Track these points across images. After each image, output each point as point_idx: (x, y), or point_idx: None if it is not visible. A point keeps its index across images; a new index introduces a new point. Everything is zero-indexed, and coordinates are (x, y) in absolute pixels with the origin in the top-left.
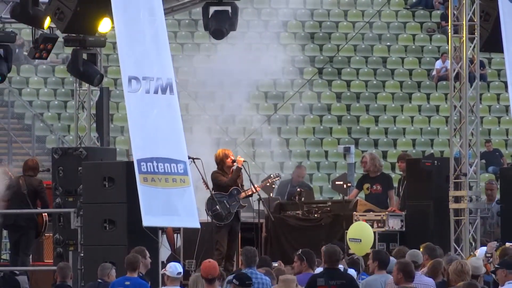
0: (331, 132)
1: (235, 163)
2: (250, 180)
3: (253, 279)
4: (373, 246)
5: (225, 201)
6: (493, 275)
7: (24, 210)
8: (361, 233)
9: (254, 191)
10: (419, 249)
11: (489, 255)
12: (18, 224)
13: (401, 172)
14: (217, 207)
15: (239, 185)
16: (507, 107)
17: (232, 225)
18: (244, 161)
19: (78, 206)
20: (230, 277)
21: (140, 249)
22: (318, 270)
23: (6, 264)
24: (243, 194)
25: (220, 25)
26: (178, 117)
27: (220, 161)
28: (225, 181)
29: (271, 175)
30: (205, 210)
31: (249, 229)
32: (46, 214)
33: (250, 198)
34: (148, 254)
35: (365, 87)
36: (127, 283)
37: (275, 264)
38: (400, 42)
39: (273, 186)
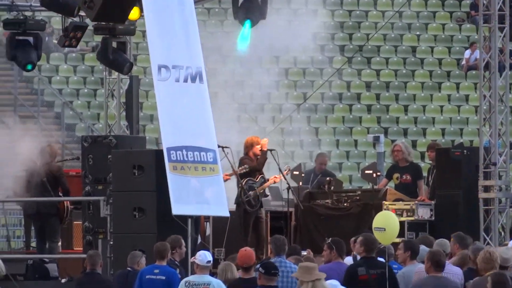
0: (360, 121)
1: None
2: (280, 168)
3: (282, 268)
4: (402, 235)
5: (255, 188)
6: None
7: (50, 198)
8: (385, 222)
9: (278, 180)
10: (450, 239)
11: None
12: (40, 212)
13: (431, 162)
14: (250, 193)
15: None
16: None
17: (258, 212)
18: (271, 149)
19: (108, 194)
20: (257, 266)
21: (176, 238)
22: (347, 259)
23: (35, 252)
24: (266, 184)
25: (250, 13)
26: (208, 106)
27: (250, 146)
28: (254, 166)
29: (284, 168)
30: (240, 195)
31: (278, 218)
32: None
33: (279, 186)
34: (183, 244)
35: (395, 76)
36: (156, 271)
37: (304, 253)
38: (429, 31)
39: (296, 172)
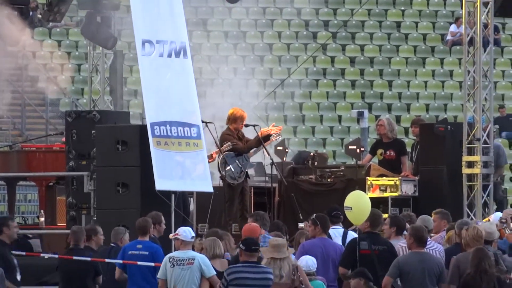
0: (344, 97)
1: (246, 127)
2: (263, 143)
3: (267, 243)
4: (386, 211)
5: (236, 161)
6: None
7: (28, 174)
8: (353, 202)
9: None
10: (431, 215)
11: (504, 220)
12: None
13: (414, 137)
14: (230, 167)
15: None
16: None
17: (243, 184)
18: (254, 125)
19: (91, 169)
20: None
21: (156, 215)
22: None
23: (19, 227)
24: (251, 153)
25: None
26: (192, 81)
27: (233, 119)
28: (241, 148)
29: (274, 135)
30: (218, 170)
31: (261, 194)
32: None
33: (263, 161)
34: (163, 221)
35: (379, 51)
36: (139, 246)
37: (302, 225)
38: (414, 6)
39: (280, 148)
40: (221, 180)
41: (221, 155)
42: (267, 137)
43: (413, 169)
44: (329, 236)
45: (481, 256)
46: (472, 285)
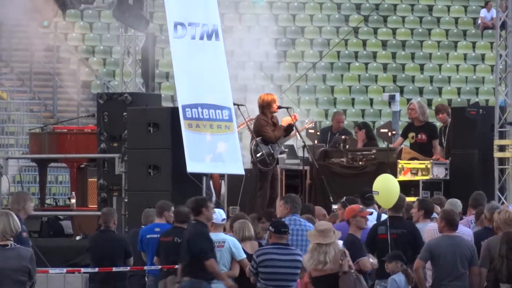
0: (376, 80)
1: (279, 110)
2: (295, 127)
3: (297, 226)
4: (417, 195)
5: (269, 146)
6: None
7: (60, 155)
8: (379, 186)
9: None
10: (465, 198)
11: None
12: None
13: (442, 123)
14: (263, 152)
15: None
16: None
17: (274, 170)
18: (287, 107)
19: (123, 151)
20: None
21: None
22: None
23: (50, 209)
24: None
25: None
26: (224, 64)
27: (267, 105)
28: (270, 137)
29: (306, 121)
30: (251, 154)
31: (293, 176)
32: None
33: (295, 145)
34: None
35: (411, 35)
36: (157, 229)
37: (335, 206)
38: None
39: (311, 131)
40: (252, 165)
41: (253, 141)
42: (290, 126)
43: (444, 152)
44: None
45: (507, 240)
46: (499, 268)
